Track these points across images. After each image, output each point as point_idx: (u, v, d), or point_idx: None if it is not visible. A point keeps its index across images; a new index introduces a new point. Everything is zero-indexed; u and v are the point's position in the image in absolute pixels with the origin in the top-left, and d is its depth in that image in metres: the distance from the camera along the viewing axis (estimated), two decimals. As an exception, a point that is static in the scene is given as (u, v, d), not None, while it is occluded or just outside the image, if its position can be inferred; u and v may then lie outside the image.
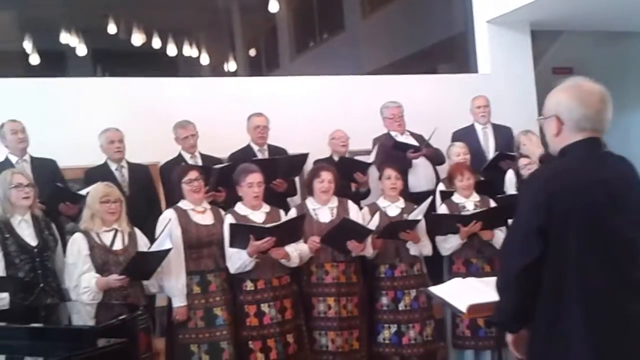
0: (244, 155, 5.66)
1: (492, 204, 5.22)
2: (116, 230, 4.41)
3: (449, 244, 5.11)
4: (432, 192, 5.68)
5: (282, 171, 5.52)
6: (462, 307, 2.82)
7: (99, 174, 5.23)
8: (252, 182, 4.73)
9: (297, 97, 6.89)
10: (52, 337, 3.13)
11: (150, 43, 10.69)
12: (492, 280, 2.53)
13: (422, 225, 5.06)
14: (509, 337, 2.54)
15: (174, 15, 11.20)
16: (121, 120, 5.69)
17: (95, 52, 11.23)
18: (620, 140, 5.18)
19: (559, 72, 8.64)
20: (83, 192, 4.84)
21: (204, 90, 6.76)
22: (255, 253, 4.53)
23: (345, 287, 4.90)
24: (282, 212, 4.96)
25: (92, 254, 4.28)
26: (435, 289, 3.01)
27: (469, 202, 5.23)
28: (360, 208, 5.23)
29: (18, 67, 10.68)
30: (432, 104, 6.85)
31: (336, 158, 5.89)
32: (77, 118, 6.02)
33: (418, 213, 5.00)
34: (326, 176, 4.99)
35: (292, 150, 5.93)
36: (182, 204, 4.69)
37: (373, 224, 4.97)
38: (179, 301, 4.52)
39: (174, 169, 4.94)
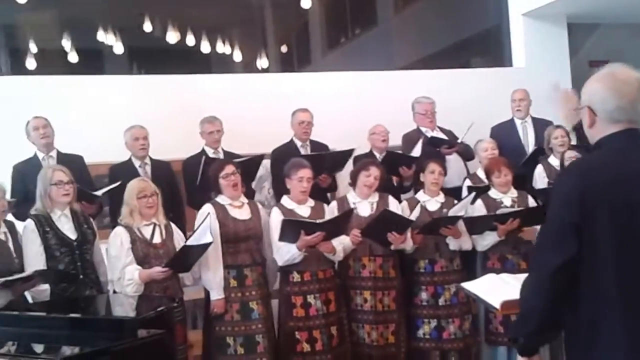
0: (287, 150, 5.70)
1: (530, 199, 5.18)
2: (155, 224, 4.50)
3: (486, 240, 5.09)
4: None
5: (328, 166, 5.56)
6: (496, 303, 2.78)
7: (123, 170, 5.32)
8: (302, 177, 4.79)
9: (330, 93, 6.89)
10: (93, 327, 3.21)
11: (184, 40, 10.77)
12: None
13: (460, 221, 5.04)
14: None
15: (207, 12, 11.25)
16: (157, 116, 5.78)
17: (131, 50, 11.36)
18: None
19: (595, 65, 8.47)
20: (98, 192, 4.98)
21: (238, 87, 6.81)
22: (305, 247, 4.60)
23: (382, 282, 4.93)
24: (325, 206, 5.02)
25: (133, 247, 4.37)
26: (469, 285, 2.98)
27: (507, 198, 5.18)
28: (400, 202, 5.24)
29: (58, 65, 10.85)
30: (465, 99, 6.81)
31: (377, 153, 5.87)
32: (114, 115, 6.11)
33: (460, 208, 4.98)
34: (374, 171, 5.01)
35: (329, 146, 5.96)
36: (220, 199, 4.75)
37: (413, 216, 4.98)
38: (217, 294, 4.59)
39: (212, 165, 4.97)
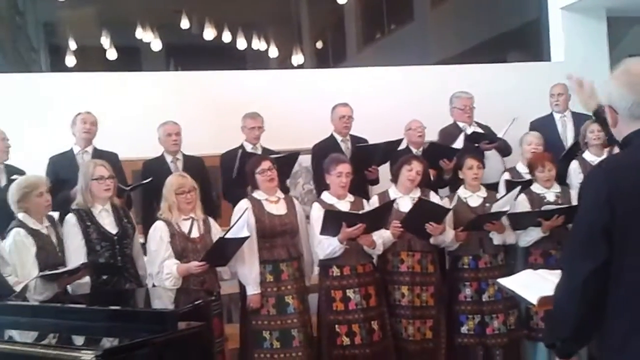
0: (328, 145, 5.71)
1: (573, 195, 5.11)
2: (193, 219, 4.54)
3: (529, 236, 5.04)
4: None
5: (377, 158, 5.54)
6: (533, 299, 2.74)
7: (155, 166, 5.38)
8: (341, 172, 4.80)
9: (366, 89, 6.89)
10: (133, 319, 3.24)
11: (220, 37, 10.84)
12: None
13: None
14: None
15: (243, 9, 11.33)
16: (193, 112, 5.83)
17: (168, 47, 11.48)
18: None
19: (635, 59, 8.37)
20: (127, 187, 5.05)
21: (274, 83, 6.85)
22: (346, 239, 4.60)
23: (420, 277, 4.92)
24: (365, 201, 5.01)
25: (172, 242, 4.41)
26: (505, 281, 2.94)
27: (550, 193, 5.14)
28: (441, 198, 5.23)
29: (96, 62, 11.01)
30: (503, 93, 6.76)
31: (413, 149, 5.84)
32: (151, 111, 6.18)
33: (504, 203, 4.94)
34: (417, 166, 4.99)
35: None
36: (256, 194, 4.78)
37: (451, 204, 4.97)
38: (253, 289, 4.61)
39: (248, 161, 5.00)
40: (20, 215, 4.27)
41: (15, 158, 5.15)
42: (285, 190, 5.44)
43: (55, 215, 4.63)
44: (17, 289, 3.95)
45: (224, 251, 4.45)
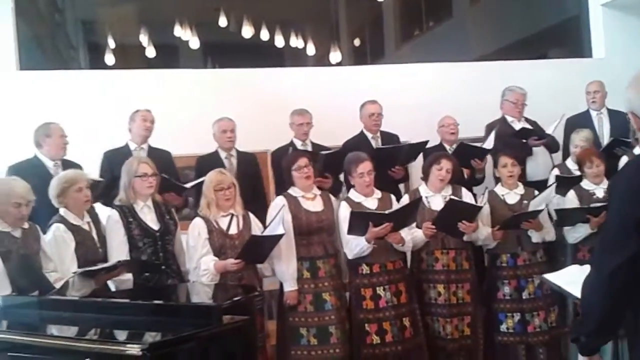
0: (358, 142, 5.69)
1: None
2: (232, 215, 4.55)
3: (578, 232, 5.02)
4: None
5: (401, 158, 5.52)
6: (579, 293, 2.75)
7: (209, 161, 5.38)
8: (362, 172, 4.78)
9: (405, 86, 6.86)
10: (175, 314, 3.27)
11: (258, 35, 10.87)
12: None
13: (544, 211, 4.95)
14: None
15: (281, 7, 11.35)
16: (232, 110, 5.85)
17: (206, 45, 11.53)
18: None
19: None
20: (188, 185, 5.07)
21: (313, 80, 6.86)
22: (374, 239, 4.59)
23: (455, 274, 4.89)
24: (393, 197, 4.98)
25: (210, 238, 4.43)
26: (551, 276, 2.94)
27: (599, 190, 5.10)
28: (474, 194, 5.18)
29: (135, 59, 11.12)
30: (544, 90, 6.68)
31: (446, 146, 5.82)
32: (189, 108, 6.24)
33: (540, 202, 4.90)
34: (446, 164, 4.96)
35: (401, 137, 5.93)
36: (292, 191, 4.78)
37: (483, 202, 4.93)
38: (290, 285, 4.62)
39: (284, 156, 5.03)
40: (62, 211, 4.32)
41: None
42: (339, 186, 5.41)
43: (107, 210, 4.64)
44: (58, 285, 4.00)
45: (258, 249, 4.45)
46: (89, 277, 4.10)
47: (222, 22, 10.80)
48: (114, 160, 5.19)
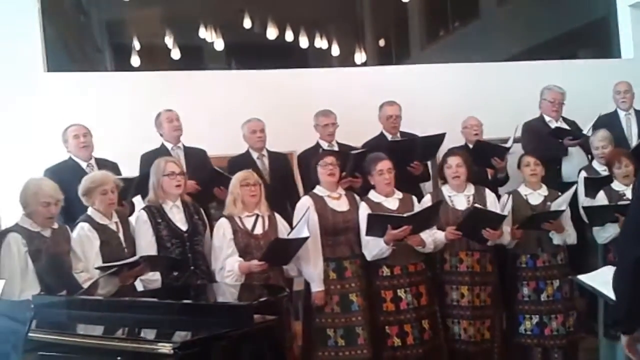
0: (377, 143, 5.66)
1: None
2: (257, 215, 4.55)
3: (607, 232, 4.95)
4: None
5: (419, 153, 5.49)
6: (613, 295, 2.73)
7: (241, 162, 5.37)
8: (382, 170, 4.76)
9: (431, 86, 6.85)
10: (205, 313, 3.26)
11: (283, 36, 10.87)
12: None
13: (566, 213, 4.90)
14: (623, 340, 2.45)
15: (306, 7, 11.34)
16: (258, 111, 5.86)
17: (231, 46, 11.55)
18: None
19: None
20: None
21: (338, 81, 6.85)
22: (392, 241, 4.56)
23: (479, 277, 4.85)
24: (414, 198, 4.95)
25: (235, 238, 4.43)
26: (585, 277, 2.92)
27: (629, 190, 5.00)
28: (499, 195, 5.13)
29: (160, 61, 11.16)
30: (572, 90, 6.61)
31: (470, 147, 5.76)
32: (215, 109, 6.26)
33: (562, 202, 4.84)
34: (453, 161, 4.93)
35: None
36: (318, 191, 4.78)
37: (507, 209, 4.86)
38: (317, 286, 4.61)
39: (312, 158, 5.02)
40: (90, 210, 4.36)
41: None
42: (367, 185, 5.40)
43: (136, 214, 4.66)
44: (86, 285, 4.02)
45: (282, 251, 4.45)
46: (113, 274, 4.12)
47: (247, 23, 10.81)
48: (152, 161, 5.18)
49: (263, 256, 4.35)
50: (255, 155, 5.60)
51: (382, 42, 15.14)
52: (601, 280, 2.86)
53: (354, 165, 5.19)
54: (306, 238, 4.38)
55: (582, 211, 5.12)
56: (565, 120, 6.08)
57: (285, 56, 10.41)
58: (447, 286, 4.88)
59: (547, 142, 5.66)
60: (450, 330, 4.85)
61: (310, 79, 6.84)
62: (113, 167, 5.08)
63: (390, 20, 15.04)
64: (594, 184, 5.23)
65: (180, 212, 4.53)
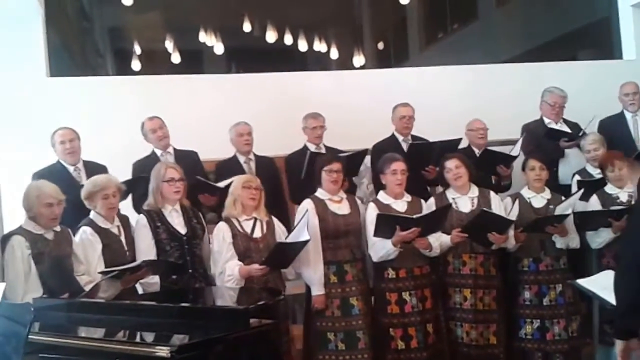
0: (388, 144, 5.65)
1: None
2: (255, 219, 4.54)
3: (600, 237, 4.91)
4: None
5: (435, 157, 5.49)
6: (613, 299, 2.72)
7: (228, 166, 5.40)
8: (396, 170, 4.76)
9: (430, 88, 6.83)
10: (203, 317, 3.27)
11: (282, 40, 10.90)
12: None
13: (570, 217, 4.86)
14: (618, 347, 2.44)
15: (305, 11, 11.37)
16: (257, 114, 5.87)
17: (231, 50, 11.59)
18: None
19: None
20: (221, 184, 4.99)
21: (337, 84, 6.84)
22: (400, 243, 4.55)
23: (482, 280, 4.83)
24: (423, 201, 4.94)
25: (235, 242, 4.43)
26: (584, 282, 2.91)
27: (623, 194, 4.99)
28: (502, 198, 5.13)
29: (161, 65, 11.20)
30: (573, 92, 6.60)
31: (475, 149, 5.74)
32: (214, 112, 6.25)
33: (567, 207, 4.82)
34: (451, 164, 4.92)
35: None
36: (319, 194, 4.76)
37: (513, 213, 4.85)
38: (317, 290, 4.60)
39: (318, 158, 5.00)
40: (92, 214, 4.40)
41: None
42: (352, 188, 5.40)
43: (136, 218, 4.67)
44: (88, 288, 4.05)
45: (284, 255, 4.44)
46: (116, 278, 4.14)
47: (246, 27, 10.85)
48: (145, 168, 5.17)
49: (265, 260, 4.34)
50: (242, 159, 5.59)
51: (380, 45, 15.19)
52: (600, 284, 2.84)
53: (353, 167, 5.20)
54: (307, 241, 4.37)
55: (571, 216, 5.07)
56: (566, 122, 6.04)
57: (284, 59, 10.43)
58: (450, 289, 4.86)
59: (544, 144, 5.62)
60: (453, 333, 4.83)
61: (310, 82, 6.84)
62: (102, 170, 5.06)
63: (389, 23, 15.08)
64: (588, 186, 5.16)
65: (179, 216, 4.56)
